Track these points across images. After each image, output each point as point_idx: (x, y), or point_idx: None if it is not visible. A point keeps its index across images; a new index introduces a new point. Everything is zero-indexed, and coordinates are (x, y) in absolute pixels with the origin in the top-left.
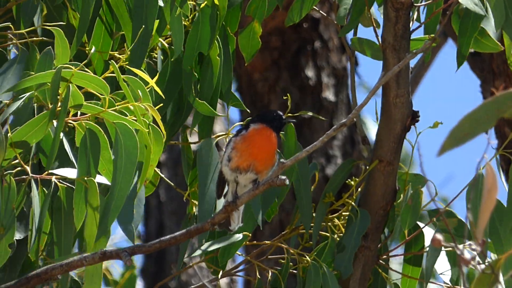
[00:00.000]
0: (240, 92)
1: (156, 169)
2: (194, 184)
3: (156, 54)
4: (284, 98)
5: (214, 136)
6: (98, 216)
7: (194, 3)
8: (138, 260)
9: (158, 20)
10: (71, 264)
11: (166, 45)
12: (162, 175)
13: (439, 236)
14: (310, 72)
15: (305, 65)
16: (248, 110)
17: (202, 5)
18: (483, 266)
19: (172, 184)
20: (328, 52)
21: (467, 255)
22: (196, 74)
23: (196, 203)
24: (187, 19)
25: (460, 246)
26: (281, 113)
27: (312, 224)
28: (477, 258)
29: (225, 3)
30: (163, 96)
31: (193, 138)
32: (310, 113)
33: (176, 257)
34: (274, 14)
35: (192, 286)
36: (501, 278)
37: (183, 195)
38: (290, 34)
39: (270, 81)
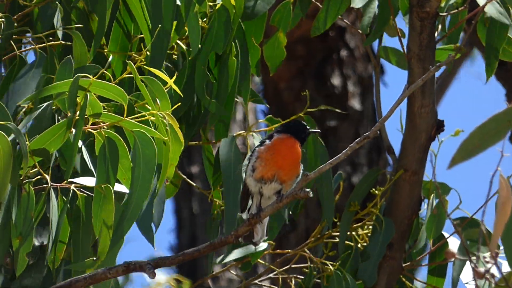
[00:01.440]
0: (267, 101)
1: (179, 172)
2: (217, 184)
3: (175, 55)
4: (302, 93)
5: (235, 134)
6: (113, 225)
7: (211, 3)
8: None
9: (176, 21)
10: (95, 276)
11: (184, 46)
12: (182, 175)
13: (452, 249)
14: (336, 81)
15: (331, 73)
16: (267, 105)
17: (218, 5)
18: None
19: (193, 183)
20: (354, 61)
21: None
22: (212, 74)
23: (219, 202)
24: (204, 20)
25: (486, 255)
26: (305, 124)
27: (337, 234)
28: (492, 271)
29: (241, 3)
30: (181, 94)
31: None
32: (326, 107)
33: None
34: (300, 23)
35: None
36: None
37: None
38: (315, 43)
39: (296, 90)
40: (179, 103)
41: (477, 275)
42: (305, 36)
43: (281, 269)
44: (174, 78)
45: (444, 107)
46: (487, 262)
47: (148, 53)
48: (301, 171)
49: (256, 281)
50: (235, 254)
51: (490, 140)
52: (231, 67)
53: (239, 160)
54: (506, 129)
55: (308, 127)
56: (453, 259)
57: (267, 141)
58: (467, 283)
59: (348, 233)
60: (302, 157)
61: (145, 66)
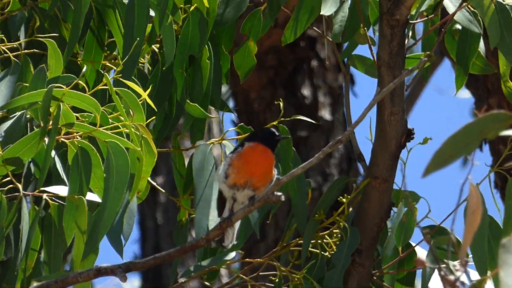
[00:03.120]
0: (237, 111)
1: (150, 180)
2: (187, 191)
3: (145, 58)
4: (275, 103)
5: (209, 142)
6: (86, 234)
7: (183, 6)
8: (135, 279)
9: (150, 28)
10: (66, 280)
11: (156, 49)
12: (153, 182)
13: (422, 258)
14: (306, 91)
15: (302, 83)
16: (236, 115)
17: (192, 7)
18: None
19: (162, 190)
20: (324, 71)
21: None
22: (186, 77)
23: (187, 208)
24: (176, 23)
25: (455, 263)
26: (274, 131)
27: (301, 242)
28: (462, 279)
29: (215, 5)
30: (155, 109)
31: (187, 145)
32: (298, 116)
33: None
34: (270, 33)
35: None
36: None
37: (180, 217)
38: (286, 53)
39: (266, 99)
40: (154, 117)
41: (447, 283)
42: (276, 46)
43: (249, 277)
44: (148, 91)
45: (414, 115)
46: (457, 270)
47: (121, 63)
48: (275, 177)
49: None
50: (203, 263)
51: (463, 150)
52: (205, 70)
53: (211, 167)
54: (477, 139)
55: (278, 134)
56: (422, 268)
57: (240, 148)
58: None
59: (314, 241)
60: (275, 162)
61: (120, 78)
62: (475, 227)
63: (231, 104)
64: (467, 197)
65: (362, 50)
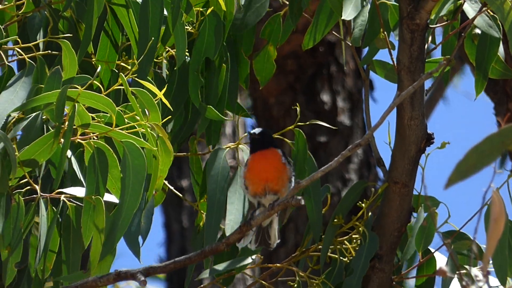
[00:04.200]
0: (256, 116)
1: (165, 182)
2: (204, 195)
3: (163, 62)
4: (292, 108)
5: (224, 147)
6: (104, 235)
7: (201, 9)
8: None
9: (164, 29)
10: (85, 285)
11: (174, 53)
12: (170, 186)
13: (444, 267)
14: (325, 96)
15: (321, 89)
16: (252, 119)
17: (209, 11)
18: None
19: (180, 194)
20: (343, 76)
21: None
22: (202, 80)
23: (204, 213)
24: (193, 26)
25: (476, 272)
26: (251, 132)
27: (320, 247)
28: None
29: (232, 9)
30: (171, 108)
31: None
32: (316, 121)
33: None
34: (290, 38)
35: None
36: None
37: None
38: (306, 58)
39: (286, 105)
40: (169, 117)
41: None
42: (295, 51)
43: (268, 282)
44: (163, 90)
45: (433, 120)
46: (478, 280)
47: (136, 63)
48: (292, 174)
49: None
50: (221, 267)
51: (485, 160)
52: (221, 73)
53: (226, 173)
54: (500, 149)
55: (252, 133)
56: (444, 277)
57: (247, 162)
58: None
59: (333, 247)
60: (281, 156)
61: (135, 78)
62: (499, 235)
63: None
64: (487, 203)
65: (382, 54)
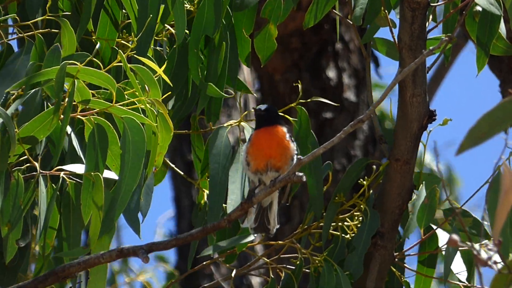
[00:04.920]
0: (262, 93)
1: (166, 160)
2: (205, 173)
3: (163, 40)
4: (294, 84)
5: (226, 124)
6: (103, 212)
7: None
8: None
9: (163, 7)
10: (88, 261)
11: (173, 31)
12: (171, 164)
13: (455, 237)
14: (331, 73)
15: (326, 66)
16: (255, 95)
17: None
18: (500, 266)
19: (182, 172)
20: (349, 53)
21: (483, 255)
22: (202, 57)
23: (206, 192)
24: (192, 4)
25: (476, 246)
26: (258, 108)
27: (322, 224)
28: (494, 258)
29: None
30: (171, 84)
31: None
32: (319, 98)
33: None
34: (294, 16)
35: (207, 284)
36: None
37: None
38: (310, 36)
39: (291, 82)
40: (169, 93)
41: (479, 263)
42: (300, 28)
43: (270, 259)
44: (163, 67)
45: (438, 98)
46: (490, 249)
47: (135, 40)
48: (295, 151)
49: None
50: (224, 244)
51: (498, 127)
52: (221, 51)
53: (228, 152)
54: None
55: (257, 109)
56: (445, 248)
57: (250, 136)
58: (458, 273)
59: (334, 224)
60: (286, 133)
61: (135, 55)
62: (509, 207)
63: (256, 86)
64: (492, 178)
65: (383, 32)
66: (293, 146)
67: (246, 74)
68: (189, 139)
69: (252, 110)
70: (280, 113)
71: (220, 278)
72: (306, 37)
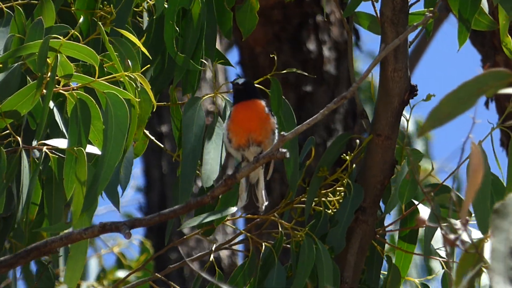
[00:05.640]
0: (242, 65)
1: (146, 132)
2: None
3: (141, 9)
4: (271, 55)
5: (202, 96)
6: (86, 187)
7: None
8: (139, 231)
9: None
10: (70, 237)
11: (151, 2)
12: (151, 136)
13: (423, 216)
14: (311, 46)
15: (307, 38)
16: (234, 67)
17: None
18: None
19: (162, 143)
20: (329, 26)
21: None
22: (177, 29)
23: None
24: None
25: (457, 222)
26: (235, 82)
27: (304, 199)
28: (462, 238)
29: None
30: (150, 56)
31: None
32: (297, 70)
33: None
34: None
35: (189, 258)
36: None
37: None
38: (292, 8)
39: (272, 54)
40: (149, 65)
41: (448, 242)
42: (281, 1)
43: (253, 233)
44: (143, 39)
45: (419, 72)
46: (458, 229)
47: (114, 12)
48: (276, 126)
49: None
50: (202, 218)
51: (460, 108)
52: (197, 21)
53: (202, 123)
54: (476, 96)
55: (235, 81)
56: (423, 226)
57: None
58: (438, 249)
59: (317, 199)
60: (265, 107)
61: (114, 27)
62: (477, 186)
63: (236, 58)
64: (469, 156)
65: (365, 6)
66: (273, 119)
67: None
68: (158, 110)
69: (229, 82)
70: (257, 86)
71: (189, 254)
72: (288, 9)
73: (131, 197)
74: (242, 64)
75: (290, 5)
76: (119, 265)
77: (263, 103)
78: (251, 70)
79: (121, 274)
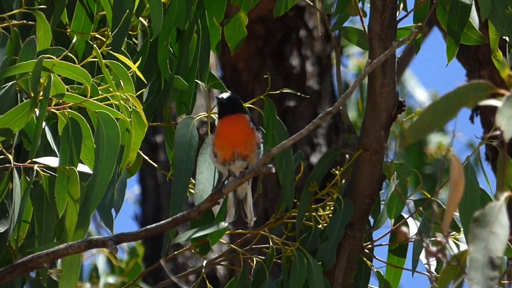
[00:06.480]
0: (225, 81)
1: (140, 152)
2: None
3: (136, 33)
4: (264, 76)
5: (196, 116)
6: (79, 205)
7: None
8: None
9: (138, 1)
10: (57, 252)
11: (146, 24)
12: (144, 155)
13: (404, 229)
14: (294, 61)
15: (290, 54)
16: (228, 90)
17: None
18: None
19: (155, 164)
20: (312, 41)
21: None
22: (172, 50)
23: None
24: None
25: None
26: (220, 97)
27: (295, 214)
28: (445, 250)
29: None
30: (145, 80)
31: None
32: (287, 90)
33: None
34: (259, 2)
35: (179, 274)
36: (467, 269)
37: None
38: (274, 23)
39: (254, 70)
40: (143, 90)
41: (429, 254)
42: (264, 15)
43: (242, 249)
44: (138, 63)
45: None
46: (440, 241)
47: (110, 36)
48: (261, 140)
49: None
50: (195, 233)
51: (441, 120)
52: (192, 44)
53: (195, 143)
54: (457, 108)
55: (219, 97)
56: (406, 239)
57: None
58: (426, 263)
59: (308, 213)
60: (249, 122)
61: (109, 51)
62: (458, 198)
63: (218, 73)
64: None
65: (353, 22)
66: (257, 133)
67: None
68: (153, 120)
69: (215, 99)
70: (246, 105)
71: (185, 264)
72: (270, 24)
73: (126, 207)
74: (224, 79)
75: (272, 20)
76: (110, 266)
77: (247, 117)
78: (234, 86)
79: (111, 280)
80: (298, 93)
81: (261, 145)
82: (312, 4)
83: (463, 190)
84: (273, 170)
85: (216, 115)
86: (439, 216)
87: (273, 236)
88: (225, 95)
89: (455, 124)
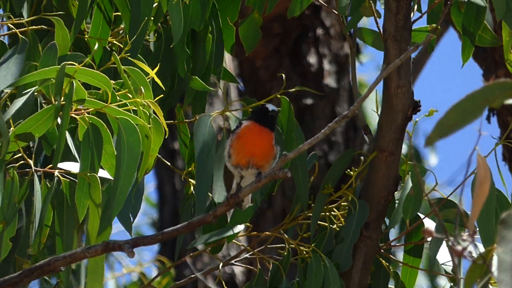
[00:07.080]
0: (242, 79)
1: (159, 156)
2: (192, 163)
3: (151, 36)
4: (278, 74)
5: (211, 113)
6: (100, 210)
7: None
8: (154, 247)
9: (156, 6)
10: (74, 256)
11: (160, 25)
12: (160, 156)
13: (430, 227)
14: (311, 59)
15: (307, 52)
16: (241, 84)
17: None
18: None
19: (169, 164)
20: (329, 39)
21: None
22: (188, 51)
23: (193, 182)
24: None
25: (463, 234)
26: (267, 106)
27: (310, 215)
28: (469, 249)
29: None
30: (163, 87)
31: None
32: (303, 88)
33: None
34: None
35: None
36: (493, 268)
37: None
38: (291, 21)
39: (272, 68)
40: (162, 95)
41: (455, 253)
42: (281, 14)
43: (257, 249)
44: (156, 69)
45: (419, 86)
46: (465, 240)
47: (129, 42)
48: (278, 153)
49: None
50: (211, 236)
51: (467, 118)
52: (207, 44)
53: (213, 140)
54: (482, 107)
55: (270, 109)
56: (430, 238)
57: (238, 129)
58: (443, 263)
59: (323, 214)
60: (274, 138)
61: (128, 57)
62: (483, 199)
63: (235, 73)
64: (475, 169)
65: (368, 23)
66: (276, 149)
67: (227, 61)
68: (171, 126)
69: (261, 105)
70: (262, 102)
71: (204, 270)
72: (287, 22)
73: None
74: (242, 78)
75: (289, 18)
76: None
77: (273, 135)
78: (252, 84)
79: None
80: (314, 91)
81: (277, 156)
82: (326, 6)
83: (488, 190)
84: (289, 175)
85: (232, 113)
86: (457, 216)
87: (289, 238)
88: (271, 107)
89: (481, 123)
